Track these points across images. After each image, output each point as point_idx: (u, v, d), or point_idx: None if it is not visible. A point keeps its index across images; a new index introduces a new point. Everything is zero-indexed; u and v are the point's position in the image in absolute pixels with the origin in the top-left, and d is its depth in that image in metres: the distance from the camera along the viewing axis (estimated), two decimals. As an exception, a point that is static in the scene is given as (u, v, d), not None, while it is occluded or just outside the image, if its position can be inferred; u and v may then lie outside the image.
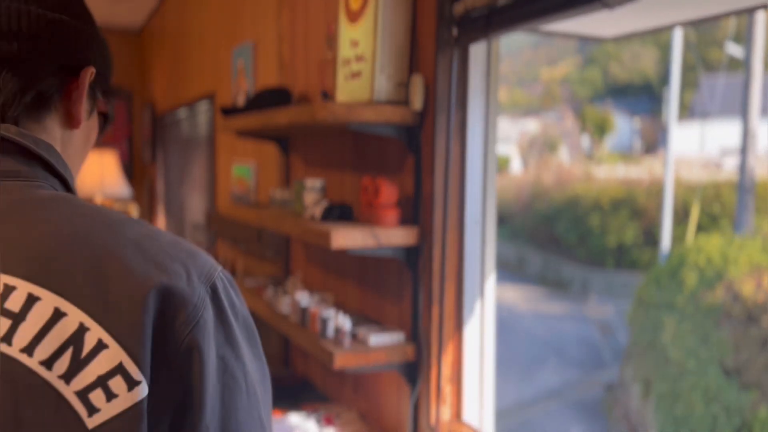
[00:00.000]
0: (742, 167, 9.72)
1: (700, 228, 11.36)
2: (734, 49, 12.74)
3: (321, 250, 2.29)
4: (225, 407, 0.65)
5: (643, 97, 23.68)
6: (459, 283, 1.67)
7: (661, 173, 12.81)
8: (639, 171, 15.41)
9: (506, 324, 10.38)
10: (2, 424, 0.56)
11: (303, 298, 1.88)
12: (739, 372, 5.68)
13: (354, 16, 1.74)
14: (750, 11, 1.44)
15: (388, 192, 1.65)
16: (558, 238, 14.44)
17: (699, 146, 17.61)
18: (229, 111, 2.30)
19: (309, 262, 2.39)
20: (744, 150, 9.63)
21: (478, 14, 1.46)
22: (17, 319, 0.58)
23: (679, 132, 15.20)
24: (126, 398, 0.58)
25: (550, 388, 8.63)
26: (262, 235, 2.77)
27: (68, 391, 0.58)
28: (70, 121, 0.74)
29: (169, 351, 0.61)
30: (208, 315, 0.64)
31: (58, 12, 0.70)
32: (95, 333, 0.58)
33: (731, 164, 15.02)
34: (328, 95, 1.89)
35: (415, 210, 1.68)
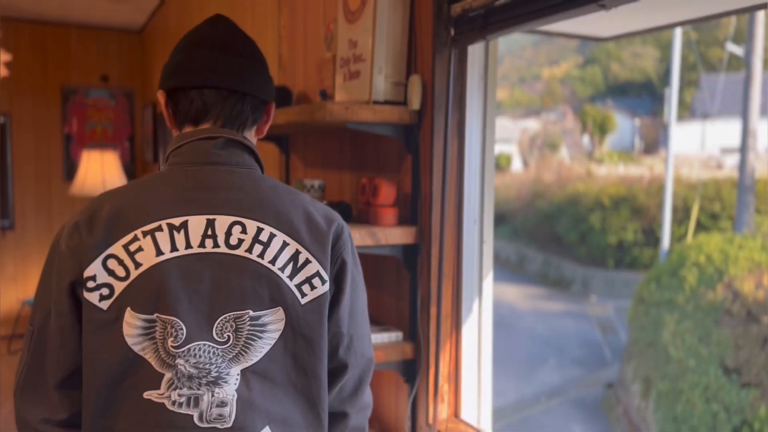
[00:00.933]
0: (742, 166, 9.72)
1: (701, 226, 11.36)
2: (735, 49, 12.74)
3: (320, 249, 2.29)
4: (353, 302, 1.16)
5: (644, 96, 23.67)
6: (457, 282, 1.67)
7: (661, 172, 12.82)
8: (639, 170, 15.40)
9: (507, 322, 10.38)
10: (263, 302, 1.07)
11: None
12: (739, 370, 5.68)
13: (352, 17, 1.74)
14: (750, 11, 1.45)
15: (387, 191, 1.66)
16: (559, 236, 14.43)
17: (700, 145, 17.61)
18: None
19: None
20: (744, 148, 9.63)
21: (476, 15, 1.47)
22: (265, 246, 1.08)
23: (680, 131, 15.21)
24: (320, 289, 1.10)
25: (551, 386, 8.64)
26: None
27: (291, 284, 1.08)
28: (259, 133, 1.24)
29: (333, 264, 1.13)
30: (349, 244, 1.16)
31: (265, 68, 1.21)
32: (304, 254, 1.09)
33: (732, 163, 15.02)
34: (327, 95, 1.89)
35: (413, 209, 1.68)
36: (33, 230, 5.80)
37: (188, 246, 1.07)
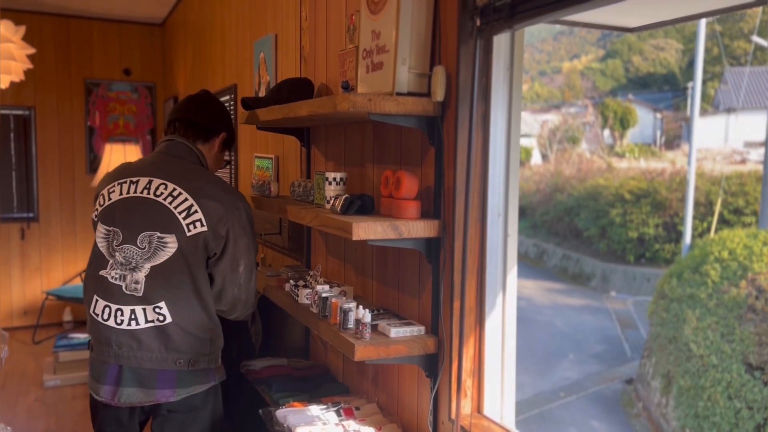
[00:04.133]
0: (767, 160, 9.55)
1: (724, 221, 11.21)
2: (761, 41, 12.52)
3: (341, 242, 2.29)
4: (234, 257, 1.97)
5: (666, 89, 23.37)
6: (480, 277, 1.65)
7: (683, 166, 12.66)
8: (661, 164, 15.21)
9: (525, 317, 10.33)
10: (166, 229, 1.86)
11: (324, 289, 1.89)
12: (763, 368, 5.60)
13: (376, 8, 1.73)
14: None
15: (409, 184, 1.64)
16: (579, 230, 14.31)
17: (723, 139, 17.35)
18: (250, 101, 2.30)
19: (329, 254, 2.39)
20: (769, 142, 9.46)
21: (502, 4, 1.44)
22: (174, 198, 1.89)
23: (703, 124, 15.00)
24: (200, 229, 1.86)
25: (569, 381, 8.59)
26: (283, 226, 2.78)
27: (183, 223, 1.86)
28: (212, 148, 2.19)
29: (221, 223, 1.90)
30: (237, 217, 1.96)
31: (211, 113, 2.19)
32: (195, 207, 1.88)
33: (756, 157, 14.78)
34: (349, 86, 1.88)
35: (436, 202, 1.67)
36: (57, 222, 5.86)
37: (135, 192, 1.93)
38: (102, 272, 1.89)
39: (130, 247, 1.87)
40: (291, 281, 2.15)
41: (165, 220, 1.85)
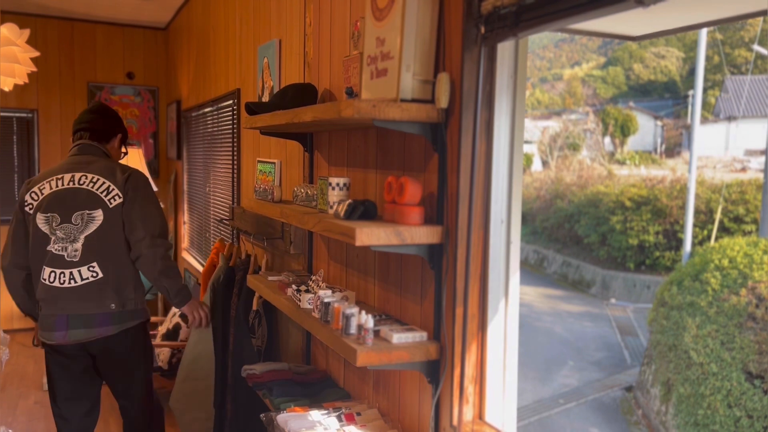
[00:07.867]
0: (767, 168, 9.56)
1: (724, 229, 11.20)
2: (761, 50, 12.54)
3: (344, 247, 2.29)
4: (134, 208, 2.63)
5: (667, 96, 23.40)
6: (483, 283, 1.66)
7: (684, 174, 12.68)
8: (662, 171, 15.21)
9: (525, 323, 10.32)
10: (92, 206, 2.56)
11: (326, 294, 1.89)
12: (763, 376, 5.59)
13: (380, 14, 1.73)
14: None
15: (413, 190, 1.65)
16: (579, 237, 14.31)
17: (723, 147, 17.36)
18: (254, 106, 2.31)
19: (331, 259, 2.40)
20: (770, 151, 9.46)
21: (507, 12, 1.45)
22: (95, 183, 2.59)
23: (703, 132, 15.01)
24: (118, 201, 2.59)
25: (569, 388, 8.58)
26: (285, 231, 2.78)
27: (105, 199, 2.58)
28: (115, 147, 2.90)
29: (125, 191, 2.62)
30: (134, 181, 2.66)
31: (106, 118, 2.86)
32: (112, 187, 2.59)
33: (756, 165, 14.78)
34: (353, 92, 1.89)
35: (439, 208, 1.67)
36: (57, 225, 5.86)
37: (63, 185, 2.56)
38: (48, 248, 2.52)
39: (67, 225, 2.52)
40: (293, 286, 2.15)
41: (90, 200, 2.53)
